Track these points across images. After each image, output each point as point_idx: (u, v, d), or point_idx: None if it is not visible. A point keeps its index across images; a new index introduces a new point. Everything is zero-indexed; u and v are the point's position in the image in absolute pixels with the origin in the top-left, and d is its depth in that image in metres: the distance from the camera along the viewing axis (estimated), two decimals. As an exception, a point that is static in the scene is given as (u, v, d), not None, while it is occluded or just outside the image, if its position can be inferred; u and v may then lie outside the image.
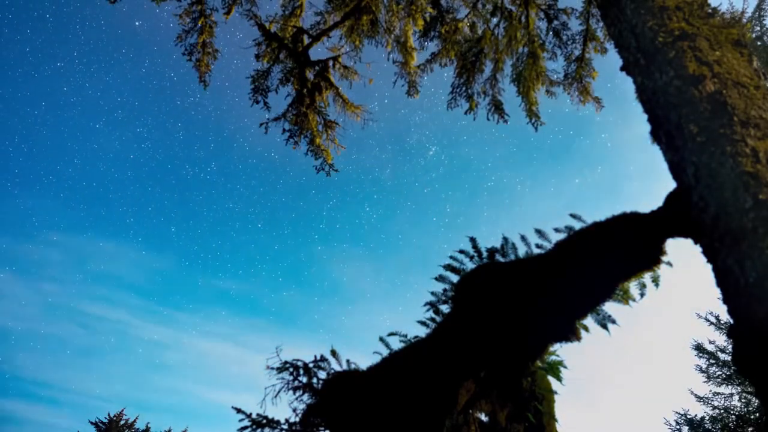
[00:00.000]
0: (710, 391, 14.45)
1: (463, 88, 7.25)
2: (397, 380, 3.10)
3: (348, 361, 3.65)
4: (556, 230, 3.45)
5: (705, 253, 2.00)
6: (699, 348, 14.82)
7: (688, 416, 14.44)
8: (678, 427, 14.56)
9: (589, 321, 3.64)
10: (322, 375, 3.51)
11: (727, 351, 14.29)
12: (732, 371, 13.95)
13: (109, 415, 18.35)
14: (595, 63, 6.95)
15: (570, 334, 3.24)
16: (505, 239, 4.00)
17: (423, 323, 4.17)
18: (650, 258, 2.91)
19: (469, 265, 4.07)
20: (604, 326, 3.71)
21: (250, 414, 3.39)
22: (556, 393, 4.17)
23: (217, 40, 6.64)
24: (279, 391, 3.46)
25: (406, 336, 3.99)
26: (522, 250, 3.85)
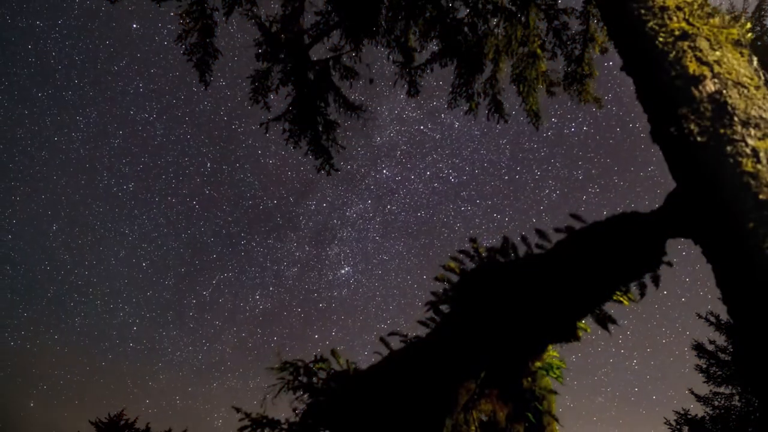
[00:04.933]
0: (710, 391, 14.44)
1: (464, 89, 7.26)
2: (397, 380, 3.11)
3: (348, 361, 3.65)
4: (556, 230, 3.45)
5: (705, 253, 2.00)
6: (699, 348, 14.81)
7: (689, 416, 14.43)
8: (678, 427, 14.56)
9: (589, 321, 3.64)
10: (322, 375, 3.51)
11: (727, 351, 14.29)
12: (732, 371, 13.94)
13: (109, 415, 18.36)
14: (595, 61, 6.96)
15: (570, 334, 3.24)
16: (505, 239, 4.00)
17: (423, 323, 4.17)
18: (650, 258, 2.91)
19: (469, 265, 4.07)
20: (604, 326, 3.72)
21: (250, 414, 3.40)
22: (555, 393, 4.17)
23: (223, 35, 6.64)
24: (279, 391, 3.46)
25: (406, 336, 3.99)
26: (522, 250, 3.85)
